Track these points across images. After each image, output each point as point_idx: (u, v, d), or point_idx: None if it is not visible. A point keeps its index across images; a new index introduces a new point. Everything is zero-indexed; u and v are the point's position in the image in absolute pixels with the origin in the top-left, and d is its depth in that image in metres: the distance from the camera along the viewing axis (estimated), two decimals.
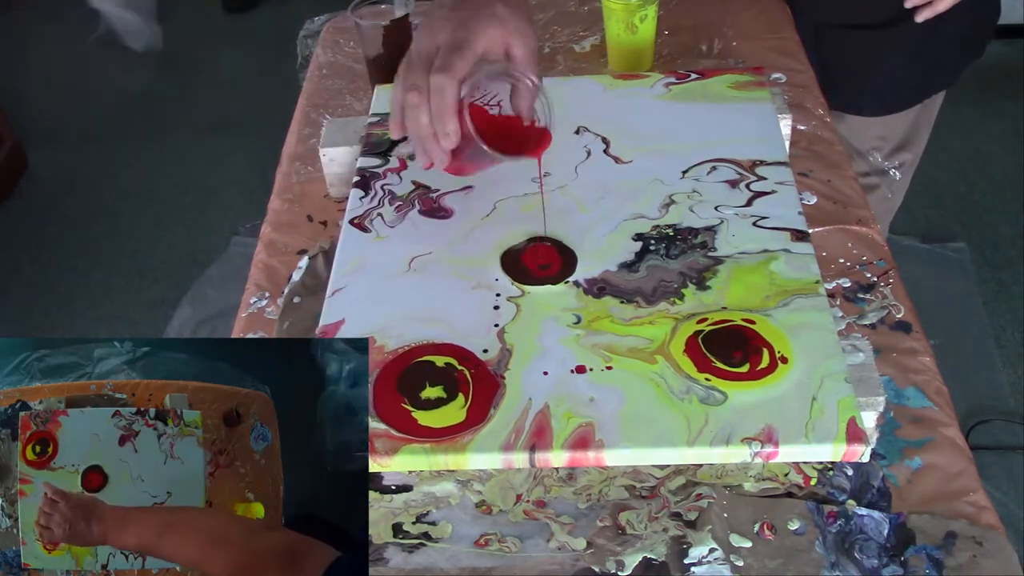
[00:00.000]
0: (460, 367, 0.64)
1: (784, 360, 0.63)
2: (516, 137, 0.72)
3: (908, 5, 0.98)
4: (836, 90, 1.03)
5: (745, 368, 0.63)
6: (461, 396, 0.62)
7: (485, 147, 0.68)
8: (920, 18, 0.99)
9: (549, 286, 0.70)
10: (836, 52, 1.08)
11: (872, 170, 1.17)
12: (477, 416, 0.61)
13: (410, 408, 0.62)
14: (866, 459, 0.59)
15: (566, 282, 0.70)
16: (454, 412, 0.62)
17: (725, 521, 0.61)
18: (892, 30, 1.05)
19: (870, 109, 1.14)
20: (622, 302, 0.68)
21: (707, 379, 0.62)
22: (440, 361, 0.65)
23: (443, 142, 0.68)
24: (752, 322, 0.66)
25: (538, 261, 0.72)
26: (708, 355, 0.64)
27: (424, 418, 0.61)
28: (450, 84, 0.66)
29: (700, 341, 0.65)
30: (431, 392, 0.63)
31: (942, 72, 1.13)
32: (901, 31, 1.04)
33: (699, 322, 0.66)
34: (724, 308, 0.67)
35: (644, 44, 0.99)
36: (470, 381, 0.63)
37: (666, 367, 0.63)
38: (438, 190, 0.79)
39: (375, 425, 0.61)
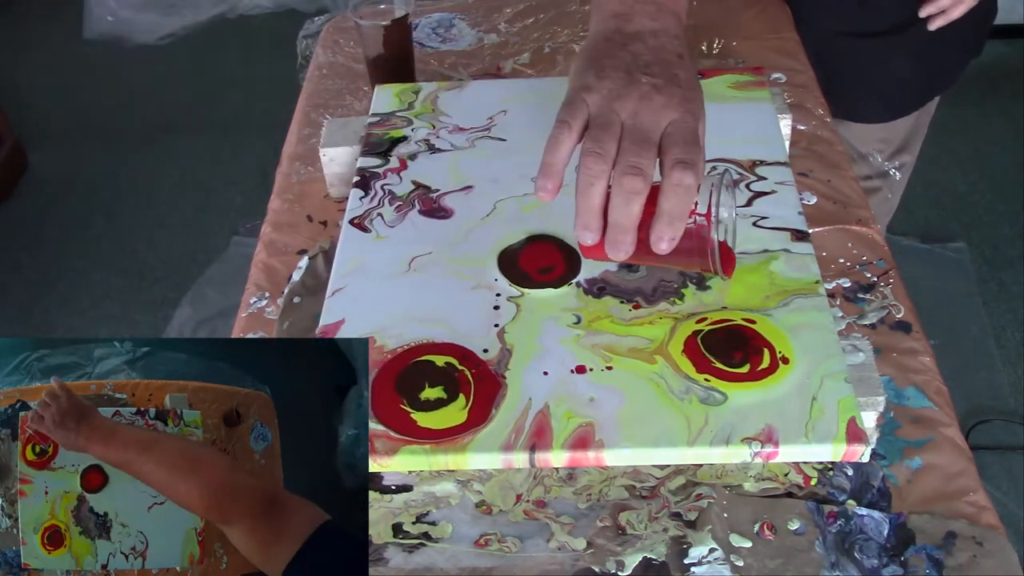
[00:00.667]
0: (461, 367, 0.64)
1: (785, 360, 0.63)
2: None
3: (923, 14, 0.98)
4: (840, 98, 1.01)
5: (746, 368, 0.63)
6: (462, 397, 0.62)
7: (719, 271, 0.62)
8: (933, 26, 0.98)
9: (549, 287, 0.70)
10: (841, 60, 1.07)
11: (874, 173, 1.17)
12: (479, 416, 0.61)
13: (409, 409, 0.62)
14: (866, 459, 0.59)
15: (567, 283, 0.70)
16: (455, 413, 0.61)
17: (725, 521, 0.61)
18: (898, 36, 1.05)
19: (875, 116, 1.13)
20: (622, 302, 0.68)
21: (706, 379, 0.62)
22: (440, 361, 0.65)
23: (660, 244, 0.58)
24: (753, 322, 0.66)
25: (538, 263, 0.72)
26: (707, 356, 0.64)
27: (424, 419, 0.61)
28: (695, 186, 0.57)
29: (699, 342, 0.65)
30: (431, 392, 0.63)
31: (944, 74, 1.13)
32: (908, 36, 1.04)
33: (698, 322, 0.66)
34: (724, 308, 0.67)
35: None
36: (471, 381, 0.63)
37: (666, 367, 0.63)
38: (438, 190, 0.79)
39: (375, 426, 0.61)
